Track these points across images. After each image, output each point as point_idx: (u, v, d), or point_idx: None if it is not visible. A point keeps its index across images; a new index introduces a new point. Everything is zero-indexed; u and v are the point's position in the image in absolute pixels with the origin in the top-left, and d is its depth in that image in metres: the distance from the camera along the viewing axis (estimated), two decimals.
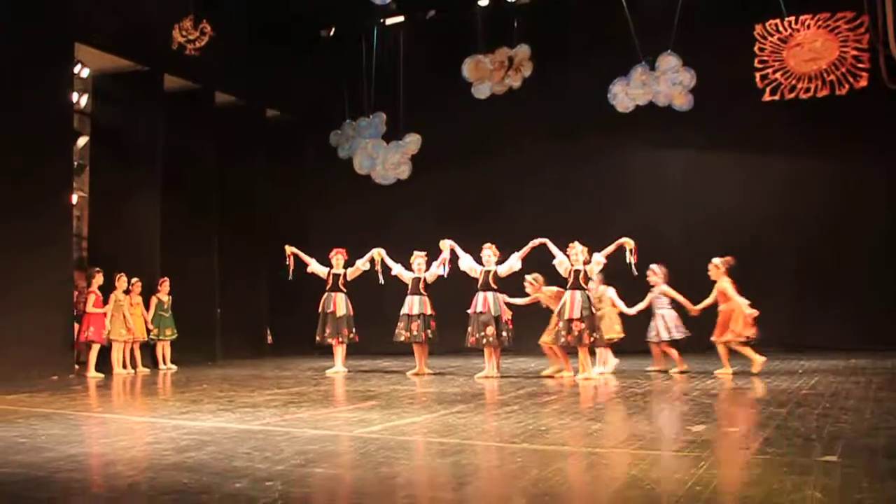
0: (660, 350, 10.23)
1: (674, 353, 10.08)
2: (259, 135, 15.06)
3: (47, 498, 3.94)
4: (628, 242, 9.43)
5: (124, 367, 11.42)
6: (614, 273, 9.96)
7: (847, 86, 12.30)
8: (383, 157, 15.32)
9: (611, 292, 10.29)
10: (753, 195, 12.98)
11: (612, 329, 10.13)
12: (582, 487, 4.14)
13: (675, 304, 10.17)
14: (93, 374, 10.73)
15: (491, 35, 14.53)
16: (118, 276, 11.46)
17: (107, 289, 11.30)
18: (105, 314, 11.10)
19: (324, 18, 15.46)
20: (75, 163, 12.32)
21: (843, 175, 12.59)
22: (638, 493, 3.79)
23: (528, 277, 10.04)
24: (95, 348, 10.97)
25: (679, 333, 10.07)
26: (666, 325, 10.07)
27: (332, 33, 15.69)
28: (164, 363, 12.03)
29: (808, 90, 12.54)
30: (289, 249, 11.53)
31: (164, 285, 12.15)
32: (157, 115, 12.80)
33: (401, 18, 15.17)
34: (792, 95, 12.62)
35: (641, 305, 10.20)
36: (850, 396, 7.18)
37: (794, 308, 12.56)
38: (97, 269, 11.30)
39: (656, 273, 10.13)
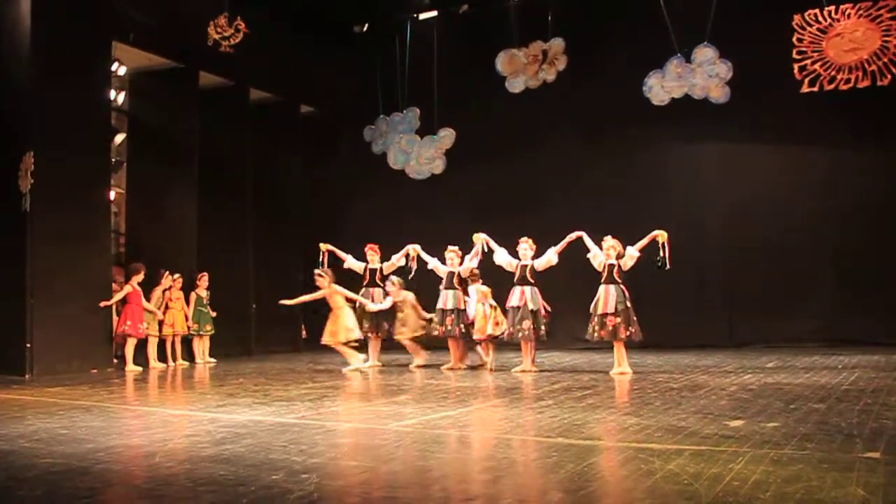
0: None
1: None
2: (293, 130, 15.14)
3: (88, 488, 3.99)
4: (661, 235, 9.32)
5: (164, 360, 11.61)
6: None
7: (889, 76, 12.05)
8: (417, 152, 15.34)
9: (412, 296, 11.12)
10: (792, 188, 12.80)
11: (417, 328, 10.92)
12: (618, 482, 4.11)
13: None
14: (131, 368, 10.87)
15: (525, 29, 14.46)
16: (164, 273, 11.64)
17: (147, 284, 11.44)
18: (143, 308, 11.25)
19: (357, 14, 15.49)
20: (113, 160, 12.48)
21: (883, 167, 12.34)
22: (675, 488, 3.75)
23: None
24: (132, 342, 11.11)
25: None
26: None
27: (365, 29, 15.71)
28: (203, 357, 12.19)
29: (848, 81, 12.30)
30: (323, 246, 11.61)
31: (203, 280, 12.30)
32: (192, 111, 12.91)
33: (434, 13, 15.15)
34: (831, 87, 12.39)
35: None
36: (893, 392, 7.05)
37: (833, 302, 12.39)
38: (140, 264, 11.45)
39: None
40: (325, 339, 10.31)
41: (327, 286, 10.33)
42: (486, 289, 10.14)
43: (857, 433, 5.03)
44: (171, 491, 3.92)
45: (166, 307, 11.76)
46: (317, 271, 10.62)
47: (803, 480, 3.81)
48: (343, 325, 10.21)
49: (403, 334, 10.99)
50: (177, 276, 11.88)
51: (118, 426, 6.02)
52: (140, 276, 11.28)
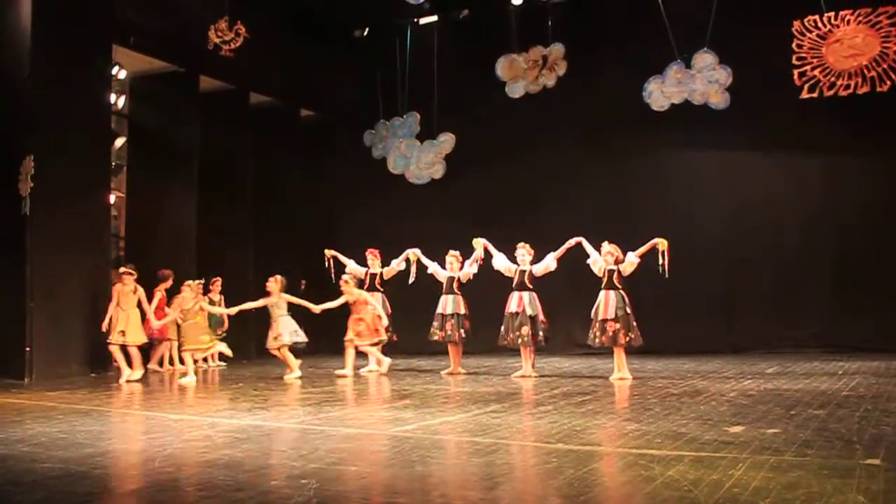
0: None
1: (289, 357, 10.30)
2: (293, 135, 15.14)
3: (86, 493, 3.99)
4: (662, 243, 9.31)
5: (172, 364, 11.70)
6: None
7: (889, 82, 12.04)
8: (417, 157, 15.33)
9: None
10: (791, 194, 12.80)
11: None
12: (617, 488, 4.11)
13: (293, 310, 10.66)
14: (154, 368, 11.18)
15: (525, 34, 14.46)
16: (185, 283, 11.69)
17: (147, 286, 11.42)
18: (166, 314, 11.25)
19: (358, 18, 15.50)
20: (113, 163, 12.48)
21: (882, 173, 12.34)
22: (675, 494, 3.74)
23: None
24: (163, 345, 11.36)
25: (299, 338, 10.41)
26: (288, 329, 10.35)
27: (365, 33, 15.74)
28: (214, 360, 12.31)
29: (847, 87, 12.31)
30: (328, 253, 11.66)
31: (216, 285, 12.33)
32: (192, 115, 12.93)
33: (434, 18, 15.16)
34: (831, 93, 12.39)
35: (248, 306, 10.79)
36: (893, 399, 7.05)
37: (833, 308, 12.38)
38: (169, 271, 11.41)
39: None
40: (131, 339, 10.24)
41: (131, 283, 10.29)
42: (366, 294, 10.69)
43: (857, 439, 5.02)
44: (170, 496, 3.91)
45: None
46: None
47: (803, 487, 3.80)
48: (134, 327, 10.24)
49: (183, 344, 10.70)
50: (198, 282, 11.89)
51: (117, 430, 6.02)
52: (168, 283, 11.28)
